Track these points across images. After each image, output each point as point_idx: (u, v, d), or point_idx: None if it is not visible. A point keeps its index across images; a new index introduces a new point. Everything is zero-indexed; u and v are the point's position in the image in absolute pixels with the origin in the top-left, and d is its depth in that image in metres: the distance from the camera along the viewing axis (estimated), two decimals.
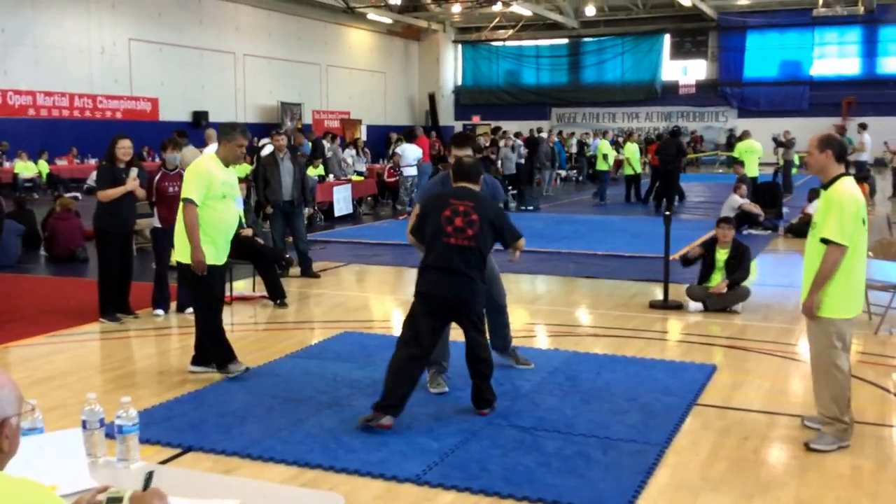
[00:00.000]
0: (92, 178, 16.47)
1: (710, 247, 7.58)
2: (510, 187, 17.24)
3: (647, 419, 4.61)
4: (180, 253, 5.33)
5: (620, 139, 24.59)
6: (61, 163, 20.51)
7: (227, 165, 5.37)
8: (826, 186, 4.24)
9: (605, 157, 18.46)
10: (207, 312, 5.37)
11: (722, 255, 7.46)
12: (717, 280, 7.40)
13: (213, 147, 12.45)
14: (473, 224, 4.45)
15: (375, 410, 4.37)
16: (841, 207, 4.09)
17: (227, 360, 5.34)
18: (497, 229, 4.60)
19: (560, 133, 25.74)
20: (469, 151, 4.94)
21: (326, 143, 16.64)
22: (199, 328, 5.43)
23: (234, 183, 5.47)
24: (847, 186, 4.17)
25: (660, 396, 4.98)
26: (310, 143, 16.13)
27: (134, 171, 6.86)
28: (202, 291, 5.33)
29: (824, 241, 4.10)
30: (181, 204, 5.26)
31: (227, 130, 5.37)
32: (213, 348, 5.37)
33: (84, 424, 2.28)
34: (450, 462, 4.02)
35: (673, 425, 4.51)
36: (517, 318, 7.44)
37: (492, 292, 5.12)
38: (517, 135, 19.98)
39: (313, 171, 13.84)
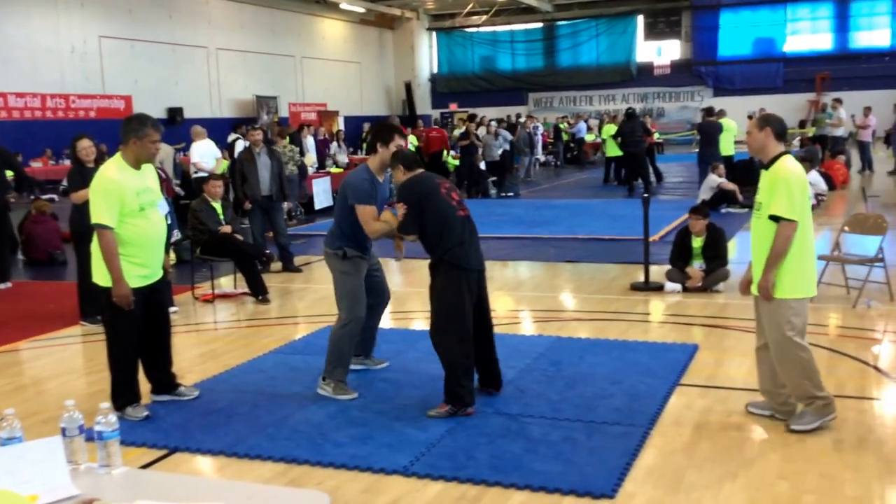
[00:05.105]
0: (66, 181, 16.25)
1: (684, 234, 7.62)
2: (492, 175, 17.21)
3: (631, 401, 4.64)
4: (98, 275, 4.56)
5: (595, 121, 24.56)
6: (36, 165, 20.22)
7: (138, 167, 4.58)
8: (767, 166, 4.12)
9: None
10: (121, 341, 4.60)
11: (697, 242, 7.50)
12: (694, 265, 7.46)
13: (201, 143, 12.27)
14: (462, 197, 4.81)
15: (451, 404, 4.45)
16: (788, 184, 3.98)
17: (128, 402, 4.59)
18: None
19: (530, 117, 25.44)
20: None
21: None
22: (118, 358, 4.64)
23: (153, 186, 4.67)
24: (790, 164, 4.07)
25: (643, 378, 5.03)
26: (287, 138, 16.00)
27: None
28: (120, 318, 4.52)
29: (774, 218, 4.00)
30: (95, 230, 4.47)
31: (135, 126, 4.49)
32: (116, 383, 4.60)
33: (63, 432, 2.26)
34: (436, 452, 4.04)
35: (657, 406, 4.55)
36: (500, 305, 7.46)
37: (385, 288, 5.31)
38: (500, 122, 19.80)
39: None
